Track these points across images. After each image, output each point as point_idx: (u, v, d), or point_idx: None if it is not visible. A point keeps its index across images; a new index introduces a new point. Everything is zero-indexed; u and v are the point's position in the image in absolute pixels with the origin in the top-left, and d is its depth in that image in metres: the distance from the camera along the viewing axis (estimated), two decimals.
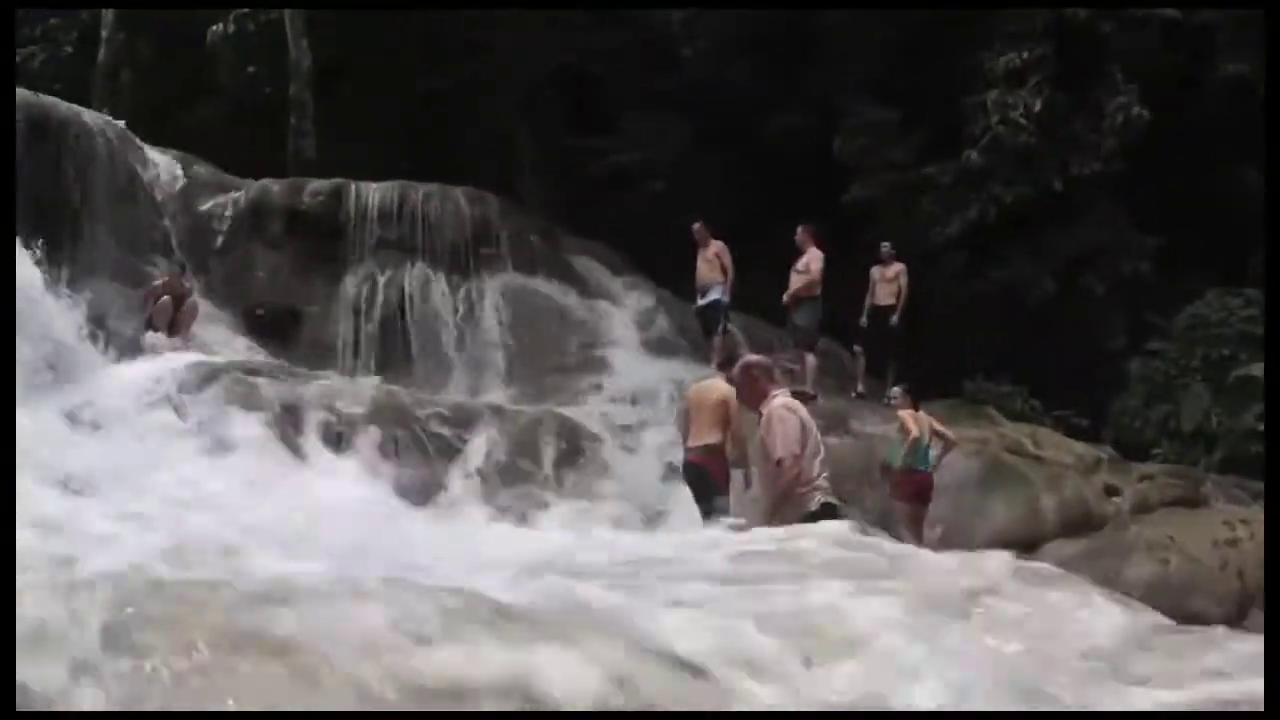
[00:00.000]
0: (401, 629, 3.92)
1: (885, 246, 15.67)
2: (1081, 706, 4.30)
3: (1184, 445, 15.12)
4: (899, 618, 4.79)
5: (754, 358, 9.47)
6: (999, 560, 6.03)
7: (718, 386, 10.22)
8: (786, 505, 8.08)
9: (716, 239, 15.55)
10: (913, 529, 11.29)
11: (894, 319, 15.32)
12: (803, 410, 8.56)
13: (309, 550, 6.31)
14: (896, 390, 12.61)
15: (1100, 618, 5.41)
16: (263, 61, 20.32)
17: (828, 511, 8.02)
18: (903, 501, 11.66)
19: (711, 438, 10.02)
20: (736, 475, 10.01)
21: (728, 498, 9.87)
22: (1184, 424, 15.13)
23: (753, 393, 8.69)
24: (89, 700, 3.41)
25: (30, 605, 3.76)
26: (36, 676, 3.43)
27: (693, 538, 7.75)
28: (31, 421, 10.30)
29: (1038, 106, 16.33)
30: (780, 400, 8.44)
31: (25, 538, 5.01)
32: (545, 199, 19.49)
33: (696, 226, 15.59)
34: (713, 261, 15.55)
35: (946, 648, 4.49)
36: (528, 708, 3.62)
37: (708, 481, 9.98)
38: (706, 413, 10.09)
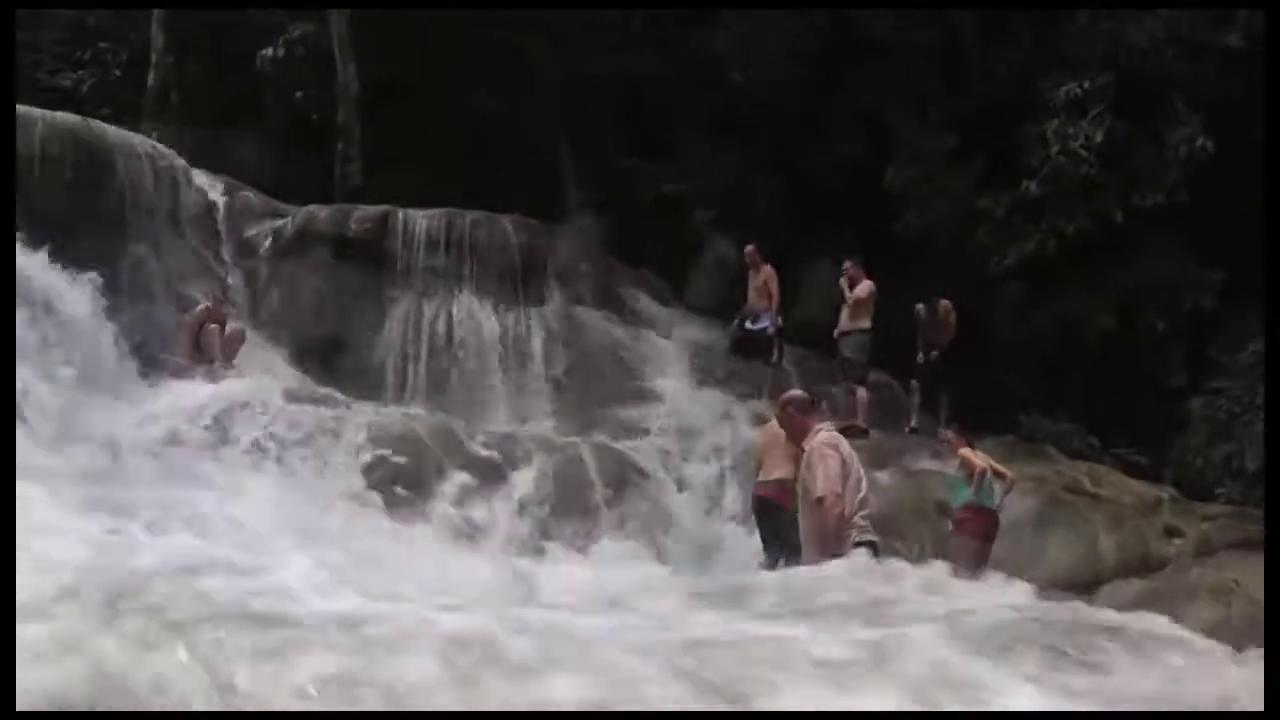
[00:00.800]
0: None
1: (927, 296, 15.42)
2: None
3: (1248, 485, 14.67)
4: None
5: (792, 393, 9.42)
6: None
7: None
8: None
9: (767, 264, 15.45)
10: (972, 569, 10.99)
11: (933, 354, 15.11)
12: (845, 445, 8.48)
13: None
14: (948, 432, 12.42)
15: None
16: (310, 86, 20.30)
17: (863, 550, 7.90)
18: (968, 538, 11.35)
19: (782, 472, 9.94)
20: None
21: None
22: (1249, 463, 14.69)
23: (795, 428, 8.68)
24: None
25: None
26: None
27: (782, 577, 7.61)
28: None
29: (1099, 137, 16.00)
30: (823, 436, 8.36)
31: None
32: (592, 224, 19.32)
33: (750, 249, 15.59)
34: (761, 288, 15.49)
35: None
36: None
37: (781, 514, 9.79)
38: (779, 448, 10.00)
